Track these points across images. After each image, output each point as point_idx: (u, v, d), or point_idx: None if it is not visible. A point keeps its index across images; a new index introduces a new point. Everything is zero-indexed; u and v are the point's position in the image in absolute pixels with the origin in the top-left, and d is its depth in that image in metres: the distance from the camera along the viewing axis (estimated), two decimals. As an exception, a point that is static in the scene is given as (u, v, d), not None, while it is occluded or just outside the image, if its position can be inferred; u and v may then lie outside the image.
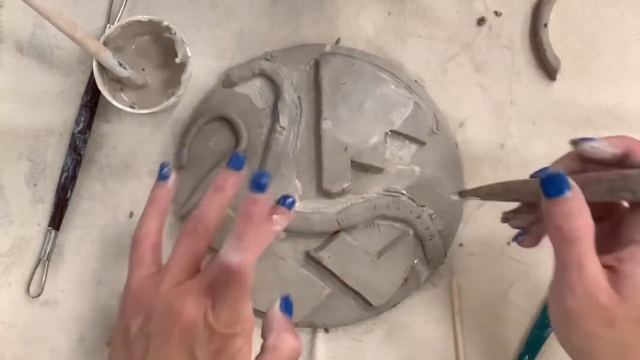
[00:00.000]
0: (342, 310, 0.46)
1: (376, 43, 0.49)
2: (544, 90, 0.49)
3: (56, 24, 0.37)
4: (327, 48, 0.48)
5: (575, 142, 0.37)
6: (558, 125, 0.49)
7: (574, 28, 0.50)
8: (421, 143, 0.47)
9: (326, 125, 0.46)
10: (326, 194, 0.46)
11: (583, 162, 0.38)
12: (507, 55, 0.50)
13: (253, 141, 0.46)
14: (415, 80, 0.48)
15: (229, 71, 0.47)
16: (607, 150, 0.36)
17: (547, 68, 0.49)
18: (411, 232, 0.46)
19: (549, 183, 0.35)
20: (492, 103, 0.49)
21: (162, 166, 0.40)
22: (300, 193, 0.46)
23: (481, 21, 0.50)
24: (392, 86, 0.47)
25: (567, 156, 0.39)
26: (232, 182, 0.38)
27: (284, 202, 0.37)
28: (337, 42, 0.49)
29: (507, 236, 0.47)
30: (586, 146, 0.37)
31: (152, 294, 0.35)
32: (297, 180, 0.46)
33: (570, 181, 0.34)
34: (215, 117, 0.46)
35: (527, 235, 0.40)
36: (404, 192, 0.47)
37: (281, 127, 0.46)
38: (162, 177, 0.39)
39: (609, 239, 0.37)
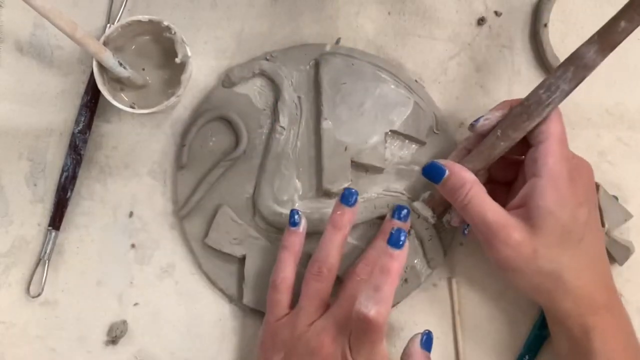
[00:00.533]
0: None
1: (376, 43, 0.49)
2: (544, 90, 0.49)
3: (56, 24, 0.37)
4: (327, 48, 0.48)
5: (472, 125, 0.42)
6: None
7: (573, 28, 0.50)
8: (421, 143, 0.47)
9: (326, 125, 0.46)
10: (326, 194, 0.46)
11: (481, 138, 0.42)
12: (507, 55, 0.50)
13: (253, 141, 0.46)
14: (416, 80, 0.48)
15: (229, 71, 0.47)
16: (496, 114, 0.41)
17: (547, 68, 0.49)
18: (411, 232, 0.46)
19: (428, 173, 0.41)
20: (492, 103, 0.48)
21: (293, 213, 0.43)
22: (300, 193, 0.46)
23: (481, 21, 0.50)
24: (392, 86, 0.47)
25: (465, 140, 0.44)
26: (348, 218, 0.42)
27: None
28: (337, 42, 0.49)
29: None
30: (480, 121, 0.41)
31: (290, 333, 0.40)
32: (297, 180, 0.46)
33: (442, 163, 0.41)
34: (215, 117, 0.46)
35: (469, 225, 0.43)
36: (404, 192, 0.47)
37: (281, 127, 0.46)
38: (293, 223, 0.43)
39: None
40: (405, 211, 0.44)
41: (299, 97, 0.47)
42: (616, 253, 0.46)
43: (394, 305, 0.46)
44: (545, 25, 0.49)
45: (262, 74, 0.47)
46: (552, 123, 0.40)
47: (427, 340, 0.40)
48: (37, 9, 0.36)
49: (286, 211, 0.45)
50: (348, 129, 0.46)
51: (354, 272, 0.43)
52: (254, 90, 0.47)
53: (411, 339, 0.40)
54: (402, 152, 0.47)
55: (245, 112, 0.46)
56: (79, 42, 0.39)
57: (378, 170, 0.46)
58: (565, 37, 0.50)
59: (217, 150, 0.46)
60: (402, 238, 0.37)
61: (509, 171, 0.44)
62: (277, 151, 0.46)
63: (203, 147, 0.46)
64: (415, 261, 0.46)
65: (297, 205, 0.46)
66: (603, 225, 0.45)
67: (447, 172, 0.40)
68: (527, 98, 0.40)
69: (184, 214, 0.46)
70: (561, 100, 0.40)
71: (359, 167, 0.46)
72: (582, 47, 0.40)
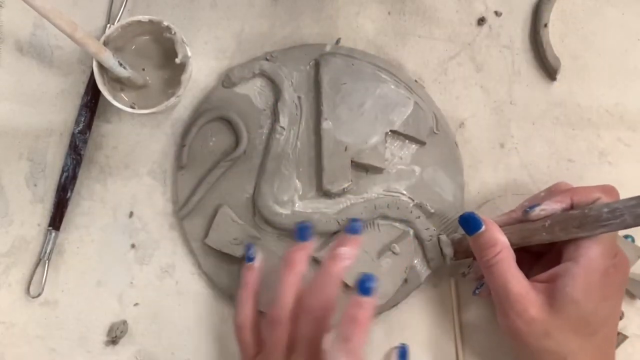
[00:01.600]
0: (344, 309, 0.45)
1: (376, 43, 0.49)
2: (544, 91, 0.49)
3: (56, 24, 0.37)
4: (328, 48, 0.48)
5: (525, 212, 0.41)
6: (558, 125, 0.49)
7: (574, 28, 0.50)
8: (421, 143, 0.47)
9: (326, 125, 0.46)
10: (326, 194, 0.46)
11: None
12: (507, 55, 0.50)
13: (253, 141, 0.46)
14: (415, 80, 0.48)
15: (229, 71, 0.47)
16: (554, 207, 0.40)
17: (547, 68, 0.49)
18: (411, 232, 0.46)
19: (465, 223, 0.41)
20: (493, 103, 0.49)
21: (248, 247, 0.43)
22: (301, 193, 0.46)
23: (481, 21, 0.50)
24: (392, 86, 0.47)
25: (513, 212, 0.43)
26: (302, 256, 0.41)
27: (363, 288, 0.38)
28: (337, 42, 0.49)
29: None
30: (536, 211, 0.41)
31: None
32: (297, 180, 0.46)
33: (482, 218, 0.41)
34: (215, 118, 0.46)
35: (483, 286, 0.44)
36: (404, 192, 0.47)
37: (281, 127, 0.46)
38: (249, 259, 0.43)
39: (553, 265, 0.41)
40: (358, 224, 0.42)
41: (299, 97, 0.47)
42: (635, 289, 0.46)
43: (394, 305, 0.46)
44: (546, 25, 0.49)
45: (262, 74, 0.47)
46: None
47: (402, 354, 0.42)
48: (37, 9, 0.36)
49: (287, 211, 0.45)
50: (348, 129, 0.46)
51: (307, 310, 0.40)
52: (254, 91, 0.47)
53: (389, 352, 0.42)
54: (402, 152, 0.47)
55: (246, 112, 0.46)
56: (79, 42, 0.39)
57: (378, 170, 0.46)
58: (565, 37, 0.50)
59: (217, 150, 0.46)
60: (372, 285, 0.37)
61: (544, 244, 0.42)
62: (277, 151, 0.46)
63: (203, 147, 0.46)
64: (415, 261, 0.46)
65: (297, 205, 0.46)
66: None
67: (483, 227, 0.40)
68: (590, 208, 0.39)
69: (184, 214, 0.46)
70: (618, 229, 0.38)
71: (359, 167, 0.46)
72: None
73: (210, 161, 0.46)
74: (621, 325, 0.47)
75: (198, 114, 0.47)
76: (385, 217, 0.46)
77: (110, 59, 0.41)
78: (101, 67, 0.43)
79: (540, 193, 0.43)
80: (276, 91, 0.47)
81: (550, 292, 0.39)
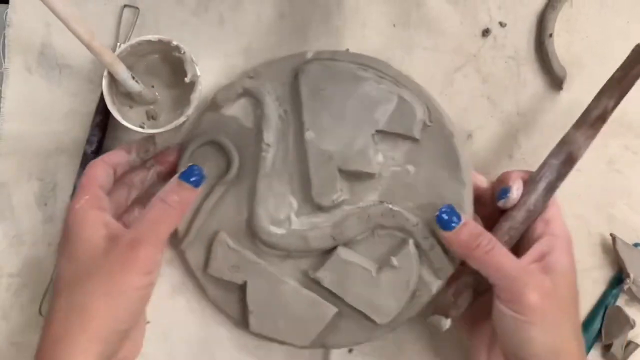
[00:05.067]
0: (353, 329, 0.44)
1: (383, 55, 0.49)
2: (551, 100, 0.49)
3: (75, 30, 0.37)
4: (309, 55, 0.46)
5: (502, 199, 0.42)
6: (566, 135, 0.49)
7: (579, 37, 0.50)
8: (413, 139, 0.44)
9: (309, 136, 0.44)
10: (320, 208, 0.44)
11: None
12: (512, 66, 0.50)
13: (246, 162, 0.45)
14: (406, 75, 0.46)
15: (214, 94, 0.46)
16: (520, 183, 0.42)
17: (554, 78, 0.49)
18: (411, 241, 0.43)
19: (444, 218, 0.40)
20: (500, 114, 0.49)
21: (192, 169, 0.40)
22: (296, 209, 0.44)
23: (486, 32, 0.50)
24: (374, 83, 0.44)
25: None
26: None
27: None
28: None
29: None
30: (513, 191, 0.42)
31: None
32: (291, 197, 0.44)
33: (457, 210, 0.41)
34: (205, 142, 0.45)
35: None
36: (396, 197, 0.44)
37: (266, 144, 0.44)
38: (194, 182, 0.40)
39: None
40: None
41: (285, 111, 0.45)
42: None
43: (408, 319, 0.45)
44: (551, 35, 0.49)
45: (246, 92, 0.45)
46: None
47: (188, 172, 0.39)
48: (57, 14, 0.36)
49: (283, 231, 0.44)
50: (332, 137, 0.44)
51: None
52: (241, 111, 0.45)
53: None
54: (394, 153, 0.44)
55: (235, 134, 0.45)
56: (95, 51, 0.39)
57: (369, 175, 0.43)
58: (570, 46, 0.50)
59: (210, 175, 0.44)
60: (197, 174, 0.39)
61: None
62: (265, 170, 0.44)
63: None
64: (422, 272, 0.43)
65: (293, 223, 0.44)
66: (628, 276, 0.46)
67: (464, 219, 0.41)
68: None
69: (186, 246, 0.45)
70: (553, 176, 0.42)
71: (350, 175, 0.44)
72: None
73: (206, 187, 0.44)
74: (631, 334, 0.47)
75: (188, 139, 0.45)
76: (382, 226, 0.44)
77: (124, 72, 0.41)
78: (110, 85, 0.43)
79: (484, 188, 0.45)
80: (260, 108, 0.45)
81: (546, 268, 0.39)
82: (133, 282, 0.36)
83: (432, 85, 0.49)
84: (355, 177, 0.44)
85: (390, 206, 0.43)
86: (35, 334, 0.45)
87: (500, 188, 0.42)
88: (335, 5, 0.49)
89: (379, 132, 0.44)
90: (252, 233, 0.44)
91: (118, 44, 0.48)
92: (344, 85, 0.44)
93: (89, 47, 0.39)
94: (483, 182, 0.45)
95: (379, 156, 0.44)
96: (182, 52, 0.43)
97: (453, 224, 0.40)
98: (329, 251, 0.44)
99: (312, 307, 0.43)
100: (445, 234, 0.41)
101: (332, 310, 0.43)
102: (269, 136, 0.44)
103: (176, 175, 0.39)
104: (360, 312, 0.43)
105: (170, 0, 0.49)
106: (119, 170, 0.42)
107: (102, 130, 0.47)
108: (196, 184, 0.39)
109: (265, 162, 0.44)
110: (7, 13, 0.48)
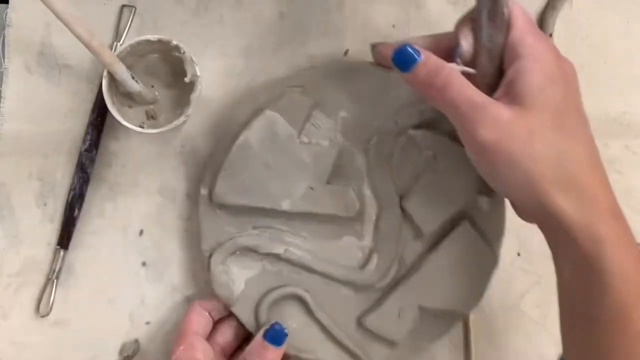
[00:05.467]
0: None
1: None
2: (551, 100, 0.49)
3: (74, 30, 0.37)
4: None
5: (458, 54, 0.37)
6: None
7: (579, 37, 0.50)
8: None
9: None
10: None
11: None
12: (513, 66, 0.50)
13: None
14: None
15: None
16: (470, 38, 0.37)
17: (554, 78, 0.49)
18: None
19: (399, 57, 0.36)
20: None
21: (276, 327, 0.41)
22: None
23: (487, 32, 0.50)
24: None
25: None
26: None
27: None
28: (345, 53, 0.49)
29: (517, 247, 0.47)
30: (464, 48, 0.37)
31: None
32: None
33: (417, 48, 0.36)
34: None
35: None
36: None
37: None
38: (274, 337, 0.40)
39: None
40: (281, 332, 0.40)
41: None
42: None
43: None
44: (551, 35, 0.49)
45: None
46: (514, 11, 0.36)
47: (271, 334, 0.40)
48: (57, 14, 0.36)
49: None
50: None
51: None
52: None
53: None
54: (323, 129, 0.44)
55: None
56: (94, 50, 0.39)
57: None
58: (570, 46, 0.50)
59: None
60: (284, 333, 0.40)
61: None
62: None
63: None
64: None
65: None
66: None
67: (423, 57, 0.36)
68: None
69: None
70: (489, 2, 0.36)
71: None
72: None
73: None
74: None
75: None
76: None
77: (123, 72, 0.41)
78: (110, 85, 0.43)
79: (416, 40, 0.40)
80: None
81: (513, 98, 0.34)
82: None
83: (432, 85, 0.49)
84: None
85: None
86: (33, 334, 0.46)
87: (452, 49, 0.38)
88: (335, 5, 0.49)
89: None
90: None
91: (116, 44, 0.48)
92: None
93: (88, 46, 0.39)
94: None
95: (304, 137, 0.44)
96: (182, 51, 0.43)
97: (413, 61, 0.36)
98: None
99: None
100: (404, 75, 0.37)
101: None
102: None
103: (260, 335, 0.40)
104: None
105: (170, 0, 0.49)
106: (215, 315, 0.43)
107: (97, 128, 0.47)
108: (280, 344, 0.40)
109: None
110: (7, 13, 0.48)
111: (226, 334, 0.43)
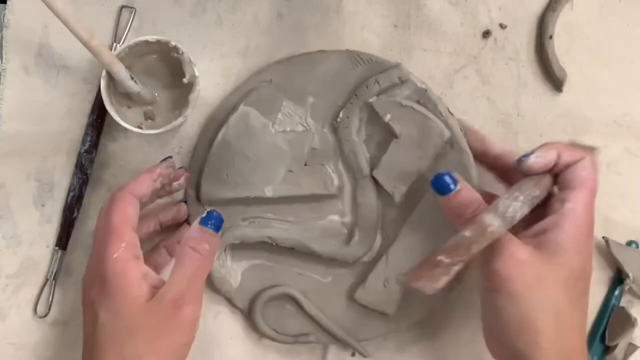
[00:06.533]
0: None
1: (382, 56, 0.49)
2: (551, 102, 0.49)
3: (74, 29, 0.37)
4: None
5: (520, 161, 0.40)
6: (565, 137, 0.49)
7: (579, 39, 0.50)
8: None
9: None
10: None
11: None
12: (513, 68, 0.49)
13: None
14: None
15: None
16: (550, 157, 0.39)
17: (554, 80, 0.49)
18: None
19: (439, 182, 0.39)
20: (500, 116, 0.49)
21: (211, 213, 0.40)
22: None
23: (486, 34, 0.50)
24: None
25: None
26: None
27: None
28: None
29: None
30: (532, 158, 0.39)
31: None
32: None
33: (456, 176, 0.39)
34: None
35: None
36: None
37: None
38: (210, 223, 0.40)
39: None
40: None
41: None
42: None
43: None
44: (551, 37, 0.49)
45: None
46: (587, 172, 0.39)
47: (209, 219, 0.39)
48: (57, 13, 0.36)
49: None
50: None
51: None
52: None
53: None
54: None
55: None
56: (94, 50, 0.39)
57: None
58: (570, 48, 0.50)
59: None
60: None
61: None
62: None
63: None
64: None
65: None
66: (627, 276, 0.46)
67: (458, 187, 0.39)
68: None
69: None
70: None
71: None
72: None
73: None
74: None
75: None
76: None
77: (122, 72, 0.41)
78: (108, 85, 0.43)
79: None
80: None
81: (539, 242, 0.38)
82: (181, 339, 0.37)
83: (432, 86, 0.49)
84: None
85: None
86: (31, 335, 0.46)
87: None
88: (334, 6, 0.49)
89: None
90: None
91: (115, 44, 0.47)
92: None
93: (88, 46, 0.38)
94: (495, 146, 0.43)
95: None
96: (181, 52, 0.43)
97: (447, 188, 0.39)
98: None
99: None
100: (439, 198, 0.40)
101: None
102: None
103: (197, 222, 0.39)
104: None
105: (168, 0, 0.48)
106: (143, 202, 0.41)
107: (97, 129, 0.47)
108: (217, 228, 0.39)
109: None
110: (4, 14, 0.48)
111: (149, 226, 0.44)
